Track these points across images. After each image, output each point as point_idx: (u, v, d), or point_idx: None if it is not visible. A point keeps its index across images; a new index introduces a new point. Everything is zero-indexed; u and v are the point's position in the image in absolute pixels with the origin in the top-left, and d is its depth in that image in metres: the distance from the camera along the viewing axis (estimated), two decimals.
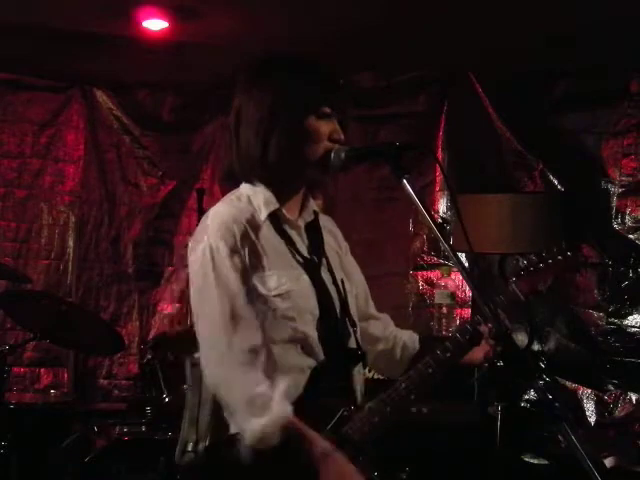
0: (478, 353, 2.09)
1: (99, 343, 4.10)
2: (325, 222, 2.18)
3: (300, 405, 1.87)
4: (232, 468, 1.90)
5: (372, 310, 2.27)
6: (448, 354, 2.00)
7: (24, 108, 5.06)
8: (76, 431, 3.88)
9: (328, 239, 2.15)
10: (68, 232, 5.16)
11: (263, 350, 1.87)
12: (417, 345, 2.24)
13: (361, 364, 2.05)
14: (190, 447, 2.19)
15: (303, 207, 2.08)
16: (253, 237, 1.94)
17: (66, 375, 5.09)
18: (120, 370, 5.16)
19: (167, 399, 3.71)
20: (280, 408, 1.80)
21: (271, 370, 1.88)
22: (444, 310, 4.79)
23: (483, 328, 2.01)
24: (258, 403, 1.80)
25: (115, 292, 5.23)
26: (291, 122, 1.95)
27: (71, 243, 5.16)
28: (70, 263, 5.14)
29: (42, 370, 5.05)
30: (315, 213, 2.11)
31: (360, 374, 2.06)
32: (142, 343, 5.07)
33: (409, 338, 2.28)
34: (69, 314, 3.74)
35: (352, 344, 2.04)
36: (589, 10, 3.64)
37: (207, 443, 2.02)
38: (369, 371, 2.11)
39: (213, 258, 1.88)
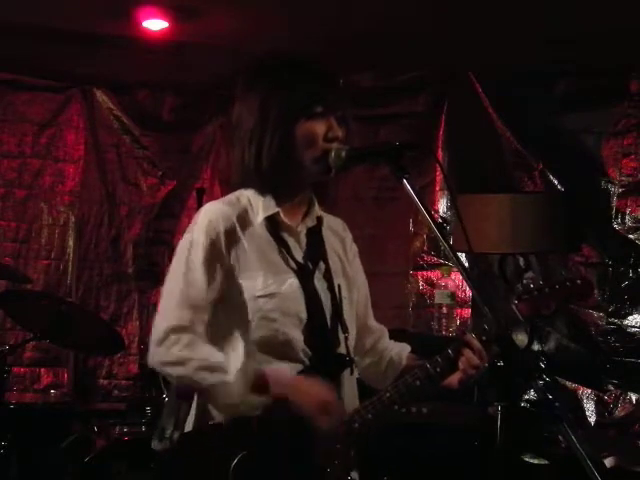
0: (454, 378, 1.98)
1: (99, 343, 4.09)
2: (335, 226, 2.17)
3: None
4: (205, 456, 1.91)
5: (369, 320, 2.23)
6: (438, 369, 1.93)
7: (24, 108, 5.05)
8: (76, 431, 3.88)
9: (334, 243, 2.13)
10: (68, 232, 5.15)
11: (202, 336, 1.93)
12: (404, 361, 2.17)
13: (349, 370, 2.02)
14: (167, 434, 2.22)
15: (307, 212, 2.07)
16: (240, 236, 1.96)
17: (66, 375, 5.08)
18: (120, 370, 5.15)
19: (167, 399, 3.71)
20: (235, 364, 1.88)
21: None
22: (444, 310, 4.78)
23: (467, 353, 1.93)
24: (215, 366, 1.88)
25: (115, 292, 5.22)
26: (279, 129, 1.95)
27: (71, 243, 5.16)
28: (70, 263, 5.14)
29: (42, 370, 5.04)
30: (319, 219, 2.09)
31: (350, 380, 2.04)
32: (142, 343, 5.06)
33: (397, 354, 2.20)
34: (69, 314, 3.74)
35: (342, 350, 2.02)
36: (589, 10, 3.64)
37: (183, 432, 2.06)
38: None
39: (191, 249, 1.96)
